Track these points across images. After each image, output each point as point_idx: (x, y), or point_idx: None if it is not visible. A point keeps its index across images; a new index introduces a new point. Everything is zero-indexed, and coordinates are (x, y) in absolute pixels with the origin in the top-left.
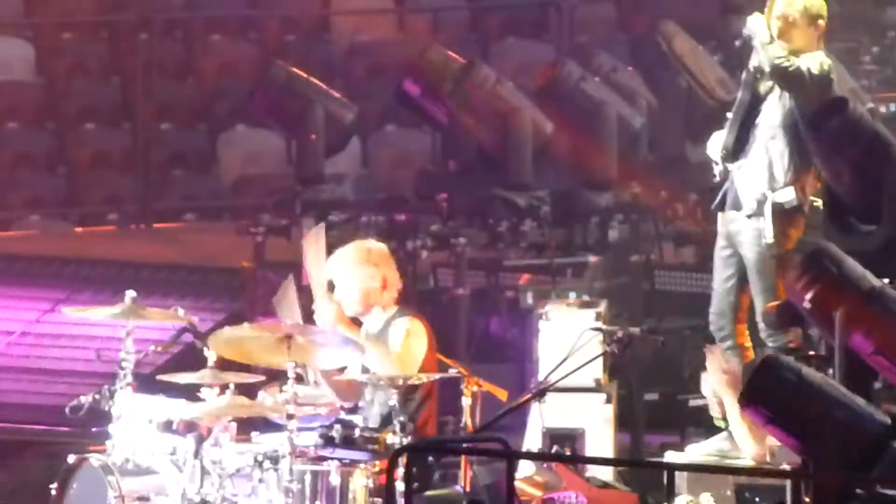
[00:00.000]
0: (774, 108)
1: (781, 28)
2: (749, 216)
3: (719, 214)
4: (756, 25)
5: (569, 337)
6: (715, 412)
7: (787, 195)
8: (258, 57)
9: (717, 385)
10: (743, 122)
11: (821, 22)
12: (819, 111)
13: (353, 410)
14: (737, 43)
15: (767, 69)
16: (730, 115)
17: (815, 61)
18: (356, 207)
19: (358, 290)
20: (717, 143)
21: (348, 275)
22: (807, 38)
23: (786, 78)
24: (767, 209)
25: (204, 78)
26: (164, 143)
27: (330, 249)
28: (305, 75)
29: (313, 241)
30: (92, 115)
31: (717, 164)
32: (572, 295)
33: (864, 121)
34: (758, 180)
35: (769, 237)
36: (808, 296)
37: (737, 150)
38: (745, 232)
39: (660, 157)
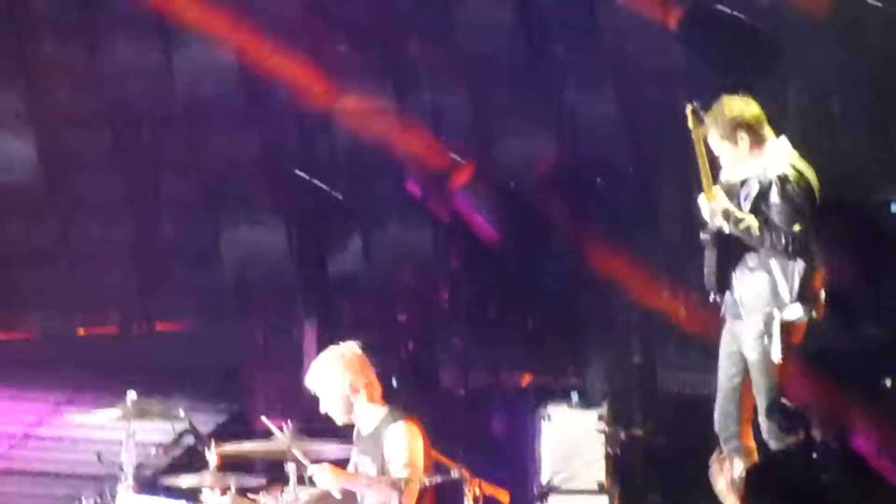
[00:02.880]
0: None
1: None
2: (756, 338)
3: (724, 314)
4: (715, 209)
5: (571, 438)
6: None
7: (795, 313)
8: (260, 153)
9: (719, 490)
10: (730, 259)
11: (746, 132)
12: (821, 213)
13: None
14: (702, 237)
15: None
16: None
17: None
18: (357, 305)
19: (341, 400)
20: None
21: (330, 387)
22: (750, 151)
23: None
24: (776, 329)
25: (206, 174)
26: (166, 239)
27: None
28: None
29: None
30: (93, 212)
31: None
32: (574, 395)
33: (870, 221)
34: (762, 298)
35: (777, 357)
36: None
37: (727, 285)
38: (746, 333)
39: (662, 256)
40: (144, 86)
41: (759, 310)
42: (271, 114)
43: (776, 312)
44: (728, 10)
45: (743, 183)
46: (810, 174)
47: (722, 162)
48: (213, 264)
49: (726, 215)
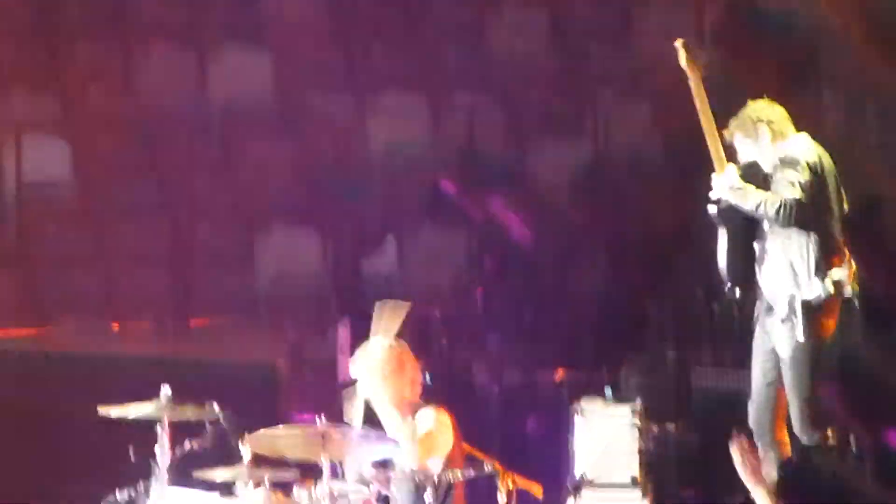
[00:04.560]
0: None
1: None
2: (783, 320)
3: (758, 313)
4: (722, 183)
5: (604, 433)
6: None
7: (815, 291)
8: (295, 156)
9: (745, 475)
10: (742, 245)
11: (766, 125)
12: (857, 212)
13: None
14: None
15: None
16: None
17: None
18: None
19: (391, 400)
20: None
21: (379, 387)
22: (772, 143)
23: (791, 213)
24: (798, 309)
25: (240, 177)
26: (200, 241)
27: None
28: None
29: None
30: (128, 214)
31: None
32: (608, 391)
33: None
34: (783, 282)
35: (801, 336)
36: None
37: (742, 276)
38: (777, 329)
39: (695, 257)
40: (179, 90)
41: (783, 294)
42: (305, 117)
43: (796, 292)
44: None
45: (765, 178)
46: (826, 160)
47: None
48: (246, 266)
49: (731, 189)
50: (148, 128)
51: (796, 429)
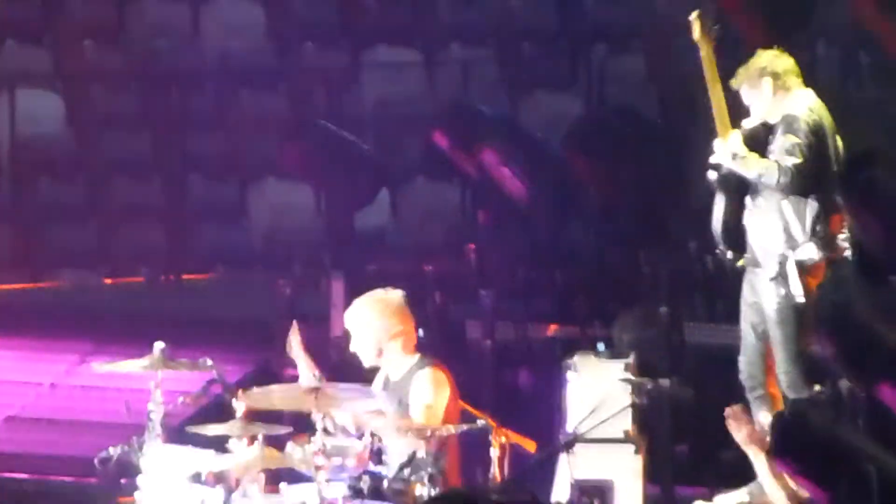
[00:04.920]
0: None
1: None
2: (772, 279)
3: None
4: (724, 150)
5: (597, 388)
6: None
7: (809, 252)
8: (288, 109)
9: (740, 440)
10: (737, 211)
11: (770, 77)
12: (849, 165)
13: (380, 462)
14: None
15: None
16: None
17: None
18: (385, 259)
19: (374, 342)
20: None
21: (366, 327)
22: (773, 97)
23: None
24: (791, 269)
25: (233, 130)
26: (194, 195)
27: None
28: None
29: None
30: (121, 167)
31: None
32: (601, 346)
33: (890, 176)
34: (775, 241)
35: (799, 297)
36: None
37: (736, 241)
38: (762, 284)
39: (688, 211)
40: (172, 42)
41: (774, 253)
42: (299, 69)
43: (790, 253)
44: None
45: (770, 130)
46: (826, 119)
47: (751, 111)
48: (240, 219)
49: (734, 156)
50: (141, 81)
51: (783, 384)
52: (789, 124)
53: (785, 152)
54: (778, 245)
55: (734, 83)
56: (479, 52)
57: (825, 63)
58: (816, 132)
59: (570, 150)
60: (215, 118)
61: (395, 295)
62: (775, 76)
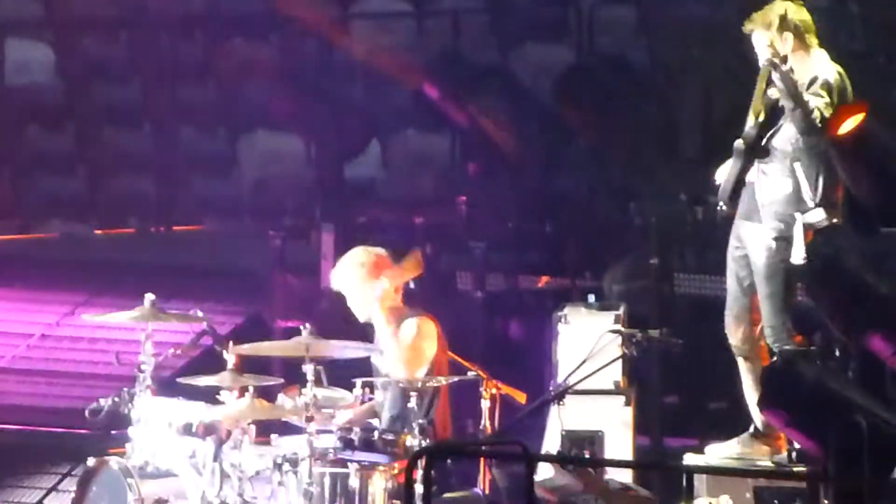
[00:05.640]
0: (792, 130)
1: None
2: (775, 238)
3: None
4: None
5: (588, 340)
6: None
7: (818, 216)
8: (278, 59)
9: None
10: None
11: (792, 32)
12: (836, 119)
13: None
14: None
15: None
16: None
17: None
18: (375, 210)
19: (364, 300)
20: (723, 175)
21: (354, 288)
22: (793, 53)
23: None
24: (798, 231)
25: (224, 80)
26: (184, 145)
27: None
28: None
29: None
30: (112, 117)
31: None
32: (591, 297)
33: (882, 126)
34: (783, 202)
35: (799, 258)
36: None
37: (737, 201)
38: (754, 237)
39: (678, 161)
40: None
41: (781, 213)
42: (289, 19)
43: (798, 215)
44: None
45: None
46: (846, 80)
47: (759, 57)
48: (231, 170)
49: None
50: (131, 31)
51: (768, 338)
52: (825, 82)
53: (815, 96)
54: (786, 206)
55: (747, 26)
56: (469, 2)
57: (816, 14)
58: (840, 92)
59: (561, 100)
60: (206, 68)
61: (377, 250)
62: (797, 31)
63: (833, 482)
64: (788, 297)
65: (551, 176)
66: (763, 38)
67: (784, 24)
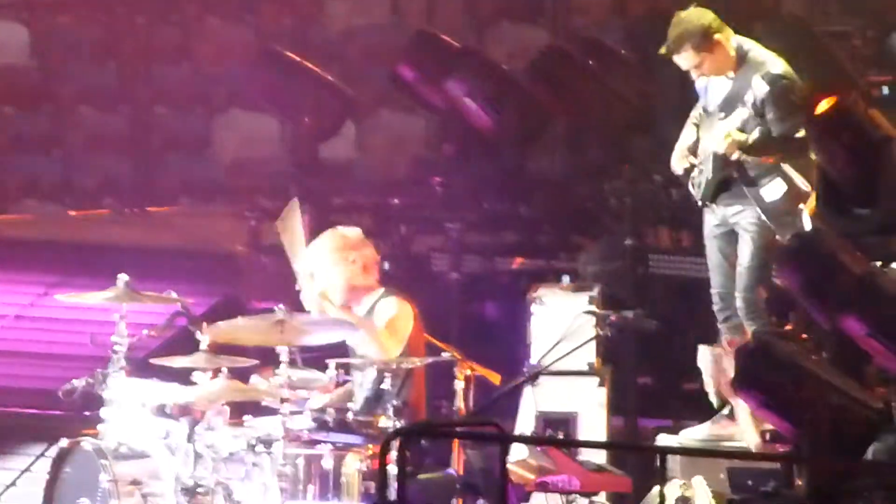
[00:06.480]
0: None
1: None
2: (758, 221)
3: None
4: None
5: (562, 320)
6: (712, 394)
7: (776, 190)
8: (254, 40)
9: (722, 386)
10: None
11: (716, 36)
12: (813, 100)
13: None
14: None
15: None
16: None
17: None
18: (350, 191)
19: (341, 282)
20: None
21: (329, 268)
22: (717, 60)
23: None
24: (804, 215)
25: (199, 61)
26: (160, 126)
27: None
28: (301, 59)
29: (289, 221)
30: (87, 98)
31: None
32: (566, 278)
33: (857, 105)
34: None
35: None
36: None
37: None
38: (746, 217)
39: (653, 142)
40: None
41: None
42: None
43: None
44: None
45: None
46: (791, 71)
47: (693, 74)
48: (205, 150)
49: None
50: (107, 12)
51: (740, 312)
52: (778, 91)
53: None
54: (783, 199)
55: (668, 51)
56: None
57: None
58: (801, 92)
59: (536, 81)
60: (181, 49)
61: (352, 230)
62: (723, 37)
63: (807, 463)
64: (767, 270)
65: (527, 157)
66: (691, 59)
67: (708, 38)
